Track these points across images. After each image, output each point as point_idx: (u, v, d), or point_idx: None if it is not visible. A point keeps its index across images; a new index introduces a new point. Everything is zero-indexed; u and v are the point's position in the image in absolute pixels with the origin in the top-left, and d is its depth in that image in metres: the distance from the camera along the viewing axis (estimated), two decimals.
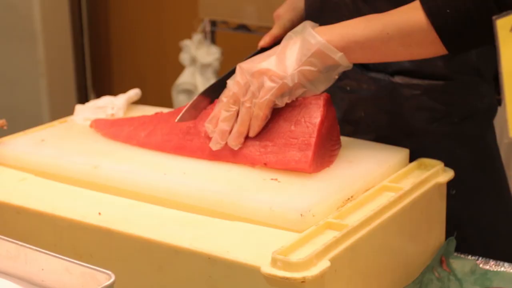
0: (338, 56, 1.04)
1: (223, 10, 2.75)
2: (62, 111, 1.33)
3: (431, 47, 1.05)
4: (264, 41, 1.28)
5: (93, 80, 3.46)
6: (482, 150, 1.23)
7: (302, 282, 0.80)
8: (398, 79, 1.21)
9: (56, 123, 1.29)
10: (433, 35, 1.03)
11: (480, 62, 1.21)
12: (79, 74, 3.40)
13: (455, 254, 1.11)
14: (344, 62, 1.05)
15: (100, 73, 3.48)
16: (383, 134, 1.20)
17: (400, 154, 1.11)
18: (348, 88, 1.25)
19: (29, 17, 3.12)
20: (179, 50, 2.91)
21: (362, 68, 1.24)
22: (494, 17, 0.60)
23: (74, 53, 3.35)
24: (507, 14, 0.59)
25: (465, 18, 1.01)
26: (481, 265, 1.10)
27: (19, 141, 1.18)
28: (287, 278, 0.80)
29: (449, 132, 1.20)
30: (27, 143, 1.17)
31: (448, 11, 1.01)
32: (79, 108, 1.30)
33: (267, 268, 0.81)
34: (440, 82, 1.20)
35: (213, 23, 2.89)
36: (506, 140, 0.60)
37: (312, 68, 1.05)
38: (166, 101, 2.83)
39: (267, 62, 1.06)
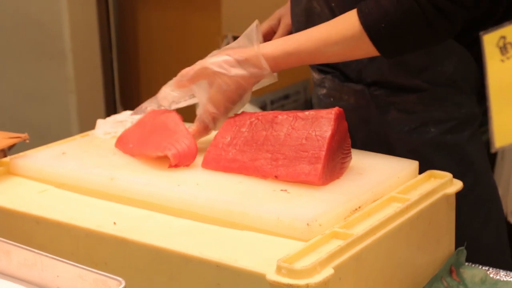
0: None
1: (245, 26, 2.78)
2: (91, 126, 1.37)
3: (364, 48, 1.13)
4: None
5: (122, 96, 3.51)
6: (462, 159, 1.24)
7: None
8: (374, 90, 1.24)
9: (77, 137, 1.34)
10: (366, 39, 1.11)
11: (456, 74, 1.23)
12: (107, 91, 3.45)
13: (466, 264, 1.12)
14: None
15: (128, 89, 3.54)
16: (364, 144, 1.23)
17: (409, 166, 1.13)
18: (332, 99, 1.28)
19: (58, 35, 3.18)
20: None
21: (343, 79, 1.28)
22: (481, 33, 0.62)
23: (103, 70, 3.40)
24: (493, 30, 0.62)
25: (392, 22, 1.09)
26: (491, 275, 1.11)
27: (41, 154, 1.23)
28: (291, 285, 0.83)
29: (426, 141, 1.22)
30: (49, 156, 1.21)
31: (378, 17, 1.10)
32: (100, 122, 1.34)
33: (272, 276, 0.84)
34: (414, 93, 1.22)
35: (236, 39, 2.92)
36: (492, 150, 0.62)
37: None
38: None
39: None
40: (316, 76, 1.37)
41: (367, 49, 1.13)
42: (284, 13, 1.42)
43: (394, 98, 1.24)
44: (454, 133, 1.24)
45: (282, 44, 1.17)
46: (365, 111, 1.26)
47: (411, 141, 1.24)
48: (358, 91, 1.26)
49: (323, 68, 1.34)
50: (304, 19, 1.31)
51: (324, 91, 1.34)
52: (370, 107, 1.25)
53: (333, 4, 1.25)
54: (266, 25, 1.44)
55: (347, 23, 1.13)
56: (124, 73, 3.52)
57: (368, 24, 1.11)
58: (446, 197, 1.08)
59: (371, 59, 1.23)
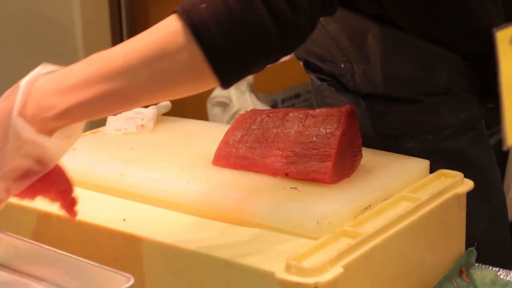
0: (52, 149, 0.84)
1: None
2: (102, 123, 1.38)
3: (189, 70, 0.83)
4: None
5: None
6: (461, 162, 1.22)
7: (315, 287, 0.82)
8: (368, 100, 1.22)
9: (88, 133, 1.34)
10: (192, 47, 0.82)
11: (451, 81, 1.20)
12: None
13: (477, 264, 1.12)
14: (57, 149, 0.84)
15: None
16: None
17: (420, 165, 1.12)
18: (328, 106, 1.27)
19: (70, 32, 3.20)
20: None
21: (339, 87, 1.26)
22: (494, 29, 0.62)
23: None
24: (506, 26, 0.61)
25: (226, 17, 0.82)
26: (502, 276, 1.10)
27: None
28: (300, 284, 0.82)
29: (424, 148, 1.20)
30: None
31: (204, 6, 0.82)
32: (110, 119, 1.34)
33: (281, 274, 0.84)
34: (409, 104, 1.21)
35: None
36: (504, 147, 0.62)
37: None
38: (202, 114, 2.87)
39: None
40: (313, 83, 1.36)
41: (204, 72, 0.84)
42: None
43: (389, 109, 1.23)
44: (453, 139, 1.22)
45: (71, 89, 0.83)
46: (361, 121, 1.25)
47: (406, 150, 1.22)
48: (353, 101, 1.25)
49: (319, 76, 1.32)
50: None
51: (319, 98, 1.33)
52: (364, 117, 1.24)
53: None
54: None
55: (165, 31, 0.83)
56: None
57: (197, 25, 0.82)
58: (457, 196, 1.08)
59: (364, 71, 1.22)
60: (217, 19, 0.82)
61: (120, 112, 0.83)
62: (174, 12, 0.84)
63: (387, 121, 1.23)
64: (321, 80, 1.32)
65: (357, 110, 1.24)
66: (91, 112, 0.83)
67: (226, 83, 0.86)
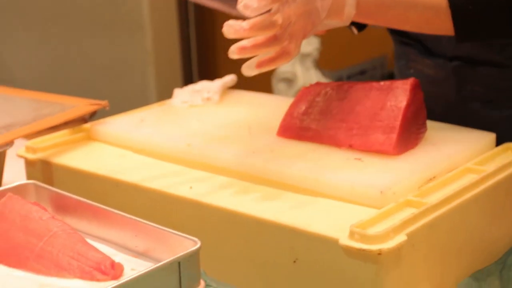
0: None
1: None
2: (168, 96, 1.41)
3: (440, 23, 1.08)
4: None
5: (199, 69, 3.55)
6: None
7: (379, 254, 0.83)
8: (454, 63, 1.21)
9: (155, 105, 1.37)
10: (446, 14, 1.06)
11: None
12: (185, 63, 3.50)
13: None
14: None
15: (205, 62, 3.58)
16: (441, 118, 1.20)
17: (486, 138, 1.11)
18: (412, 70, 1.26)
19: (137, 10, 3.25)
20: None
21: (423, 51, 1.25)
22: None
23: (180, 43, 3.45)
24: None
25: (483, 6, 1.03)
26: None
27: (120, 121, 1.26)
28: (363, 250, 0.83)
29: (503, 117, 1.18)
30: (128, 123, 1.24)
31: None
32: (177, 91, 1.37)
33: (345, 240, 0.85)
34: (495, 68, 1.19)
35: None
36: None
37: None
38: (267, 89, 2.89)
39: None
40: (396, 47, 1.35)
41: (443, 25, 1.09)
42: None
43: (475, 72, 1.21)
44: None
45: None
46: (444, 85, 1.24)
47: (489, 116, 1.21)
48: (438, 64, 1.24)
49: (404, 40, 1.32)
50: None
51: (404, 62, 1.32)
52: (449, 80, 1.23)
53: None
54: None
55: None
56: (201, 46, 3.56)
57: (456, 3, 1.06)
58: None
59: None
60: None
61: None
62: None
63: (471, 86, 1.21)
64: (405, 44, 1.31)
65: (442, 73, 1.23)
66: (373, 13, 1.09)
67: (461, 41, 1.08)
